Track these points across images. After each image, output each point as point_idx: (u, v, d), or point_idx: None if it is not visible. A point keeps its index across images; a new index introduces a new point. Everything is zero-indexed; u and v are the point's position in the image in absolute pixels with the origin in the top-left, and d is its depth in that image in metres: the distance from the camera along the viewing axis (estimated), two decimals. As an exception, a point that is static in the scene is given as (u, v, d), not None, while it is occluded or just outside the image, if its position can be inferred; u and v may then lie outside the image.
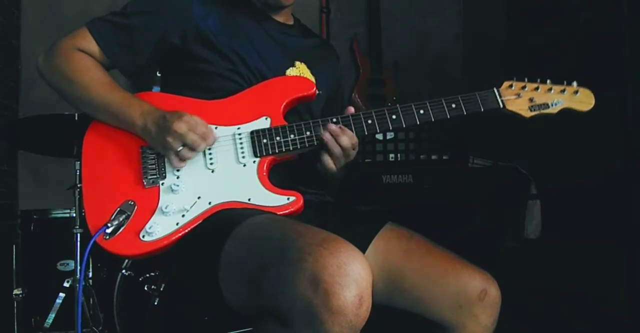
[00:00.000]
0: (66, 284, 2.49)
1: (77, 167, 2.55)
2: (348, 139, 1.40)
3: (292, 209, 1.35)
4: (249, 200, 1.36)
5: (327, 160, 1.42)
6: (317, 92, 1.50)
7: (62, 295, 2.50)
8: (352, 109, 1.46)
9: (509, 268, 2.25)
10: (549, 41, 3.00)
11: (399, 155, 2.57)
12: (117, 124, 1.44)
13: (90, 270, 2.62)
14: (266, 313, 1.15)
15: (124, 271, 2.51)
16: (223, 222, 1.30)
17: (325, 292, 1.02)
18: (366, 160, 2.58)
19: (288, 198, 1.36)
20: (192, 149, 1.36)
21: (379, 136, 2.55)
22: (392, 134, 2.54)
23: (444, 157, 2.57)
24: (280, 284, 1.07)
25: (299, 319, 1.05)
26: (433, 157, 2.56)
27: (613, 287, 2.36)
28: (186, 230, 1.34)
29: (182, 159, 1.37)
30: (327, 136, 1.40)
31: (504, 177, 2.61)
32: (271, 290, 1.10)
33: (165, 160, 1.41)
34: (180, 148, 1.35)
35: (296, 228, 1.19)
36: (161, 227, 1.33)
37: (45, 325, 2.49)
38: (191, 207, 1.36)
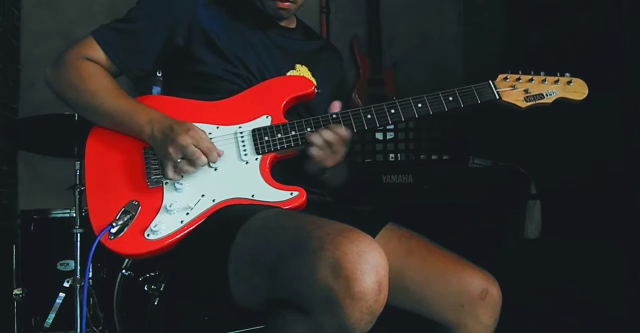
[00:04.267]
0: (66, 284, 2.49)
1: (77, 167, 2.55)
2: (331, 133, 1.40)
3: (295, 204, 1.36)
4: (253, 196, 1.38)
5: (313, 152, 1.41)
6: (316, 90, 1.52)
7: (62, 295, 2.50)
8: (337, 105, 1.46)
9: (509, 268, 2.25)
10: (549, 41, 3.01)
11: (399, 155, 2.57)
12: (124, 131, 1.44)
13: (91, 270, 2.62)
14: (279, 305, 1.17)
15: (124, 271, 2.51)
16: (232, 216, 1.31)
17: (347, 278, 1.04)
18: (366, 160, 2.58)
19: (291, 194, 1.37)
20: (192, 162, 1.36)
21: (379, 136, 2.56)
22: (392, 133, 2.55)
23: (444, 157, 2.57)
24: (300, 273, 1.09)
25: (319, 306, 1.07)
26: (433, 157, 2.56)
27: (613, 287, 2.37)
28: (191, 228, 1.35)
29: (178, 172, 1.37)
30: (313, 135, 1.41)
31: (504, 177, 2.61)
32: (289, 280, 1.12)
33: None
34: (179, 160, 1.35)
35: (312, 220, 1.21)
36: (166, 225, 1.35)
37: (45, 325, 2.50)
38: (195, 204, 1.37)
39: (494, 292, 1.41)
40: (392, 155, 2.57)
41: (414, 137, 2.56)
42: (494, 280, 1.43)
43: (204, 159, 1.36)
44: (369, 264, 1.06)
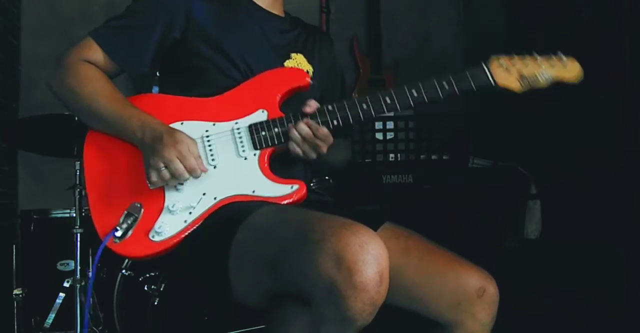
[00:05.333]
0: (66, 284, 2.48)
1: (77, 167, 2.55)
2: (306, 127, 1.40)
3: (296, 197, 1.37)
4: (254, 192, 1.38)
5: (292, 148, 1.42)
6: (310, 82, 1.52)
7: (62, 295, 2.50)
8: (312, 103, 1.45)
9: (509, 268, 2.25)
10: (549, 41, 3.00)
11: (399, 155, 2.57)
12: (119, 136, 1.45)
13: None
14: (280, 299, 1.18)
15: (124, 271, 2.51)
16: (233, 213, 1.32)
17: (349, 269, 1.05)
18: (366, 160, 2.57)
19: (292, 187, 1.38)
20: (173, 175, 1.36)
21: (379, 136, 2.55)
22: (392, 134, 2.54)
23: (444, 157, 2.57)
24: (302, 265, 1.10)
25: (321, 298, 1.08)
26: (433, 157, 2.55)
27: (613, 287, 2.36)
28: (194, 227, 1.36)
29: (161, 178, 1.36)
30: (292, 132, 1.41)
31: (504, 177, 2.61)
32: (291, 272, 1.13)
33: None
34: (163, 169, 1.35)
35: (314, 214, 1.22)
36: (169, 226, 1.35)
37: (45, 325, 2.49)
38: (197, 203, 1.38)
39: (491, 289, 1.42)
40: (392, 155, 2.57)
41: (414, 137, 2.55)
42: (491, 278, 1.44)
43: (186, 175, 1.36)
44: (371, 255, 1.07)
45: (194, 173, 1.37)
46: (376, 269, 1.07)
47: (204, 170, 1.39)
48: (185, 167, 1.35)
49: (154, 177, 1.36)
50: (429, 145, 2.56)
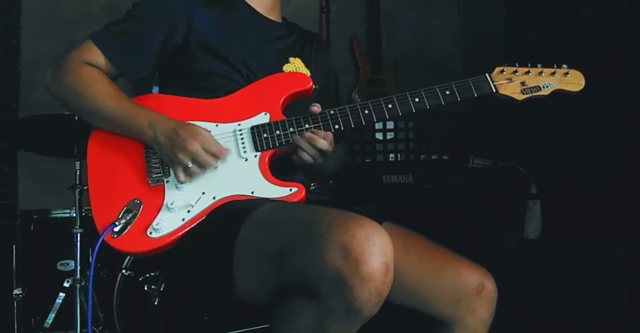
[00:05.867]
0: (66, 284, 2.48)
1: (77, 167, 2.54)
2: (322, 140, 1.42)
3: (294, 200, 1.38)
4: (252, 193, 1.39)
5: (304, 156, 1.44)
6: (314, 86, 1.53)
7: (62, 295, 2.50)
8: (316, 108, 1.46)
9: (509, 268, 2.25)
10: (549, 41, 3.00)
11: (399, 155, 2.57)
12: (127, 134, 1.46)
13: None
14: (284, 293, 1.18)
15: (124, 271, 2.51)
16: (235, 210, 1.33)
17: (356, 259, 1.07)
18: (366, 160, 2.58)
19: (290, 190, 1.39)
20: (202, 166, 1.38)
21: (379, 136, 2.56)
22: (392, 134, 2.55)
23: (444, 157, 2.57)
24: (308, 257, 1.12)
25: (328, 289, 1.10)
26: (433, 157, 2.56)
27: (613, 287, 2.37)
28: (192, 225, 1.37)
29: (189, 175, 1.39)
30: (302, 142, 1.42)
31: (504, 177, 2.62)
32: (298, 265, 1.15)
33: None
34: (190, 165, 1.37)
35: (318, 208, 1.25)
36: (167, 223, 1.37)
37: (45, 325, 2.49)
38: (196, 202, 1.39)
39: (490, 286, 1.43)
40: (392, 155, 2.58)
41: (414, 137, 2.56)
42: (489, 275, 1.45)
43: (214, 163, 1.39)
44: (376, 247, 1.09)
45: (222, 157, 1.40)
46: (382, 260, 1.08)
47: (228, 152, 1.41)
48: (211, 153, 1.38)
49: (181, 176, 1.39)
50: (429, 145, 2.57)
